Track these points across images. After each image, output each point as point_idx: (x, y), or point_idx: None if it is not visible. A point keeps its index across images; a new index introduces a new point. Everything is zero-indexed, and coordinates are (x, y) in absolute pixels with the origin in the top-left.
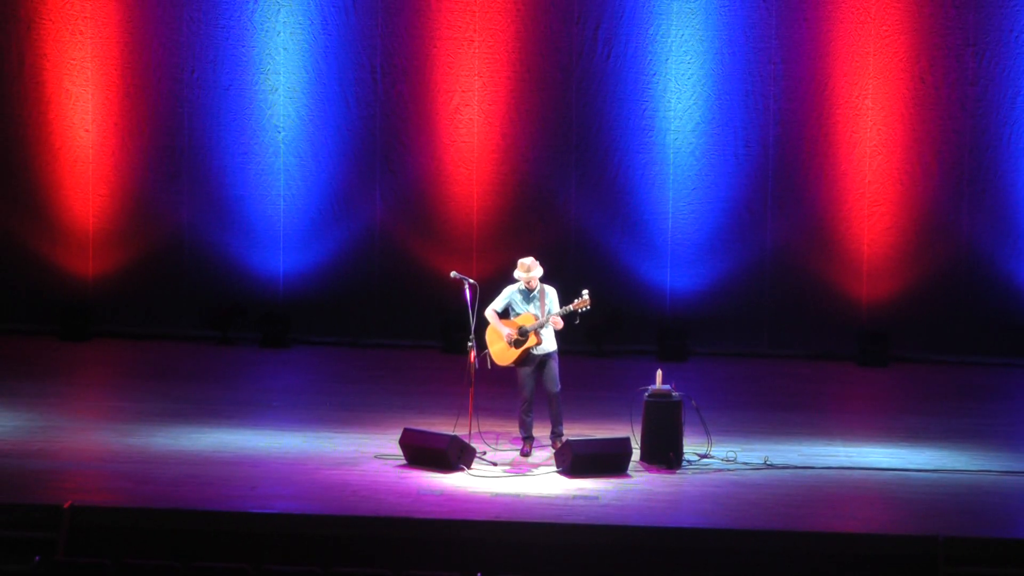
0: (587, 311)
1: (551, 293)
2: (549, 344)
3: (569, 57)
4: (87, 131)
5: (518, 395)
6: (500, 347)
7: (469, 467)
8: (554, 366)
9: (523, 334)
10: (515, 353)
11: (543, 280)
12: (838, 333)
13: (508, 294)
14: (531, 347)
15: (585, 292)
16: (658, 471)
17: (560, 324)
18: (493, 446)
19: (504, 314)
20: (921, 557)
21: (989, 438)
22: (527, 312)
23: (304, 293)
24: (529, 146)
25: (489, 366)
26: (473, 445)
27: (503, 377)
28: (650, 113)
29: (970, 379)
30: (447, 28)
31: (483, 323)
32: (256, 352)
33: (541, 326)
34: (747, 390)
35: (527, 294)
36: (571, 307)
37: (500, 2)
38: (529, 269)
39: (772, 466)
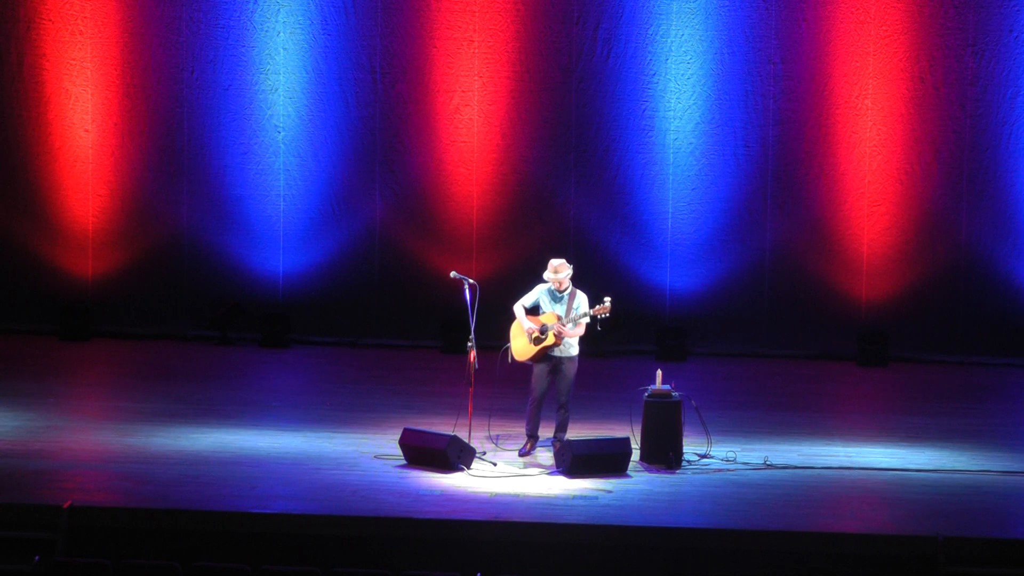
0: (606, 318)
1: (580, 298)
2: (571, 348)
3: (569, 57)
4: (87, 131)
5: (529, 392)
6: (521, 342)
7: (469, 467)
8: (571, 373)
9: (544, 332)
10: (533, 350)
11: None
12: (838, 333)
13: (538, 292)
14: (549, 346)
15: (607, 299)
16: (658, 471)
17: (573, 333)
18: (493, 446)
19: (534, 311)
20: (921, 557)
21: (989, 438)
22: (552, 312)
23: (304, 293)
24: (529, 146)
25: (509, 360)
26: (473, 445)
27: (503, 377)
28: (650, 113)
29: (970, 379)
30: (447, 28)
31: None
32: (256, 352)
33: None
34: (747, 390)
35: (556, 294)
36: (591, 312)
37: (500, 2)
38: (557, 271)
39: (772, 466)
